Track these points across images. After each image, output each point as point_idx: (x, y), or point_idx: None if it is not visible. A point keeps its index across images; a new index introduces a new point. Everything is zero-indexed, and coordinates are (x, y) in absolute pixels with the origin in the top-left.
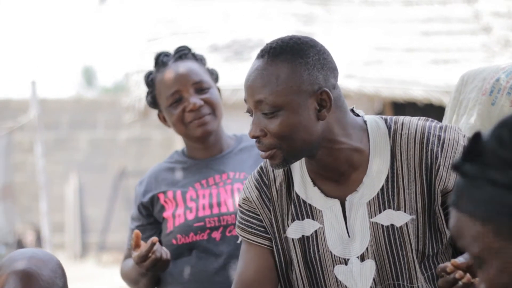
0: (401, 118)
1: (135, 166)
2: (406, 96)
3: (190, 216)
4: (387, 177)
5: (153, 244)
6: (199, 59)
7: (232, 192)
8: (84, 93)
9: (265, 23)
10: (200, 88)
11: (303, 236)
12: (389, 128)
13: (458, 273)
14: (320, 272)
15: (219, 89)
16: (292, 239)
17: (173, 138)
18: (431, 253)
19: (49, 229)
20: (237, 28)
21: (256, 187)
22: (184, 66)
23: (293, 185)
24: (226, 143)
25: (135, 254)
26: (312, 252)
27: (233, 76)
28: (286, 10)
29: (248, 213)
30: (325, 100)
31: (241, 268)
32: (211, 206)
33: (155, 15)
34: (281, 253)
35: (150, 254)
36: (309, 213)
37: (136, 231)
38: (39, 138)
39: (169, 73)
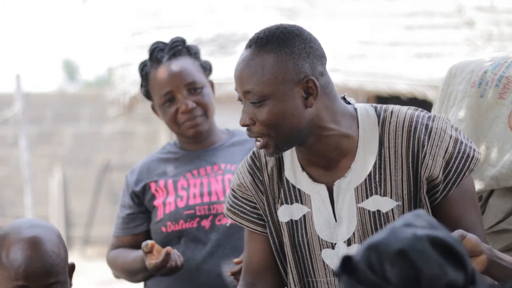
0: (390, 106)
1: (119, 160)
2: (390, 90)
3: (181, 204)
4: (375, 164)
5: (169, 254)
6: (193, 54)
7: (223, 182)
8: (66, 87)
9: (250, 17)
10: (193, 89)
11: (291, 220)
12: (378, 116)
13: None
14: (307, 255)
15: (212, 83)
16: (281, 222)
17: (157, 132)
18: None
19: None
20: (222, 22)
21: (249, 172)
22: (178, 66)
23: (283, 170)
24: (217, 136)
25: (151, 262)
26: (300, 236)
27: (217, 70)
28: (270, 4)
29: (242, 199)
30: (312, 88)
31: (247, 257)
32: (201, 195)
33: (139, 9)
34: (274, 236)
35: (166, 263)
36: (298, 198)
37: (152, 241)
38: (24, 132)
39: (163, 72)
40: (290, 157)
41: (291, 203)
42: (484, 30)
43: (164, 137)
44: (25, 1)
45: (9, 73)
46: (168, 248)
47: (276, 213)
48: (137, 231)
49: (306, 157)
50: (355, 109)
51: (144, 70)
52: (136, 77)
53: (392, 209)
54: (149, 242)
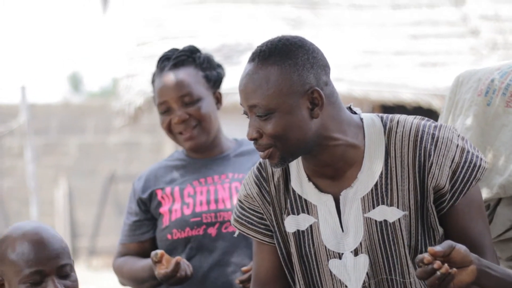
0: (397, 116)
1: (124, 171)
2: (394, 99)
3: (187, 211)
4: (381, 174)
5: (178, 263)
6: (199, 64)
7: (230, 190)
8: (71, 98)
9: (254, 27)
10: (189, 101)
11: (298, 230)
12: (384, 126)
13: (436, 264)
14: (315, 266)
15: (219, 94)
16: (288, 232)
17: (162, 142)
18: (423, 249)
19: None
20: (227, 32)
21: (256, 183)
22: (176, 76)
23: (290, 180)
24: (225, 145)
25: (161, 271)
26: (307, 246)
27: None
28: (275, 14)
29: (249, 210)
30: (317, 98)
31: (255, 268)
32: (208, 202)
33: (144, 19)
34: (282, 246)
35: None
36: (305, 208)
37: (161, 251)
38: (29, 143)
39: (161, 82)
40: (296, 167)
41: (298, 214)
42: (489, 39)
43: (169, 147)
44: (30, 13)
45: (14, 85)
46: (178, 258)
47: (283, 223)
48: (144, 238)
49: (312, 168)
50: (361, 119)
51: (153, 78)
52: (141, 88)
53: (399, 219)
54: (159, 251)
